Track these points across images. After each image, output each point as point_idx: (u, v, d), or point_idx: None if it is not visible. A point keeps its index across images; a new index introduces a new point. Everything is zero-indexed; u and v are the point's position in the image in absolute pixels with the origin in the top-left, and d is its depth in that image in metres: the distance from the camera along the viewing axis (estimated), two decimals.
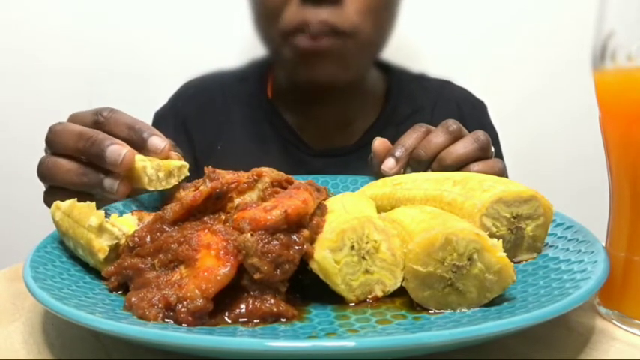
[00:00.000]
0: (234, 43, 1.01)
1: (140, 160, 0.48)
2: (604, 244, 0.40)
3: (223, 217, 0.41)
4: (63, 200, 0.43)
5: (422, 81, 0.91)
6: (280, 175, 0.46)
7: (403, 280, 0.36)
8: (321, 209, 0.42)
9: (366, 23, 0.71)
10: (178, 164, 0.50)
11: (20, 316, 0.40)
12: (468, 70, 1.01)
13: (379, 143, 0.59)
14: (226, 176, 0.44)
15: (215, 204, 0.42)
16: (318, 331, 0.33)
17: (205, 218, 0.41)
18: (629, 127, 0.35)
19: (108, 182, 0.48)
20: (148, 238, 0.39)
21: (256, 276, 0.35)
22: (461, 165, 0.56)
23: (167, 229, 0.40)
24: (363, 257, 0.37)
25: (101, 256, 0.39)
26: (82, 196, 0.44)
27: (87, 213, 0.41)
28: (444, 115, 0.62)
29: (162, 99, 0.91)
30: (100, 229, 0.40)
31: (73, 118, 0.52)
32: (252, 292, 0.35)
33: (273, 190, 0.43)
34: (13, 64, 1.10)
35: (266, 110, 0.86)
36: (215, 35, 1.06)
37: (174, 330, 0.31)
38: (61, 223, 0.43)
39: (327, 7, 0.68)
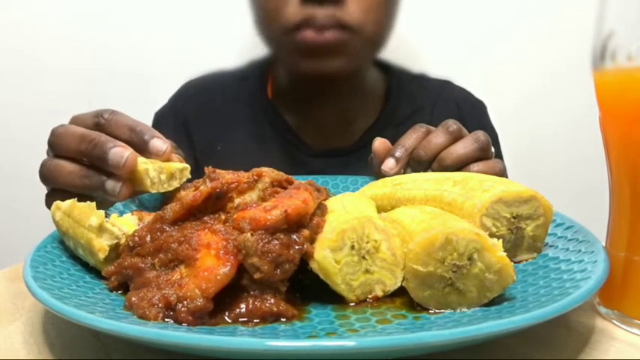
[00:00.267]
0: (234, 43, 1.01)
1: (142, 163, 0.47)
2: (604, 244, 0.40)
3: (223, 216, 0.41)
4: None
5: (422, 81, 0.91)
6: (280, 175, 0.46)
7: (403, 280, 0.36)
8: (321, 209, 0.42)
9: (368, 20, 0.71)
10: (180, 166, 0.50)
11: (20, 316, 0.40)
12: (468, 70, 1.02)
13: (379, 143, 0.59)
14: (226, 176, 0.44)
15: (215, 204, 0.42)
16: (318, 331, 0.33)
17: (205, 218, 0.41)
18: (629, 127, 0.35)
19: (110, 184, 0.47)
20: (148, 238, 0.39)
21: (256, 276, 0.35)
22: (461, 165, 0.56)
23: (167, 228, 0.40)
24: (363, 257, 0.37)
25: (101, 255, 0.39)
26: (84, 198, 0.44)
27: (87, 213, 0.41)
28: (444, 116, 0.62)
29: (162, 99, 0.91)
30: (100, 229, 0.40)
31: (75, 120, 0.52)
32: (252, 292, 0.35)
33: (273, 190, 0.43)
34: (13, 64, 1.10)
35: (266, 110, 0.86)
36: (215, 35, 1.06)
37: (175, 330, 0.31)
38: (61, 222, 0.43)
39: (329, 6, 0.68)
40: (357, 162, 0.74)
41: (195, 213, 0.41)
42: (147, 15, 1.08)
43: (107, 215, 0.41)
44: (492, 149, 0.60)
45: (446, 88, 0.92)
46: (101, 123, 0.50)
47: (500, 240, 0.35)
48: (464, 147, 0.56)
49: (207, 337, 0.28)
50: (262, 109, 0.86)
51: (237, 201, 0.43)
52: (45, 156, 0.52)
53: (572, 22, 0.93)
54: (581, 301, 0.31)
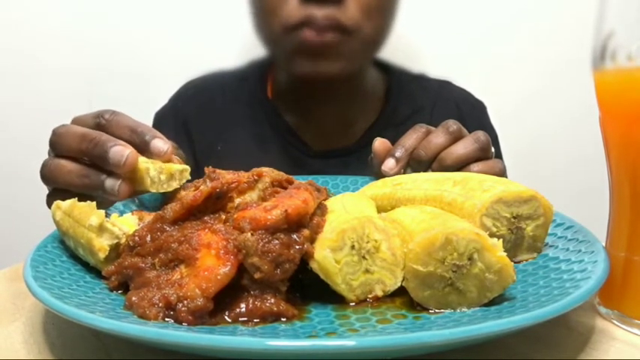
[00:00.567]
0: (234, 43, 1.01)
1: (143, 162, 0.48)
2: (604, 244, 0.40)
3: (224, 216, 0.41)
4: None
5: (421, 81, 0.91)
6: (280, 175, 0.46)
7: (403, 279, 0.37)
8: (321, 209, 0.42)
9: (367, 21, 0.71)
10: (180, 167, 0.50)
11: (20, 316, 0.40)
12: (468, 70, 1.01)
13: (379, 143, 0.60)
14: (226, 176, 0.44)
15: (215, 204, 0.42)
16: (318, 331, 0.33)
17: (206, 218, 0.41)
18: (629, 127, 0.35)
19: (109, 183, 0.47)
20: (149, 238, 0.39)
21: (256, 275, 0.35)
22: (461, 165, 0.56)
23: (167, 228, 0.40)
24: (364, 257, 0.37)
25: (101, 255, 0.39)
26: (84, 198, 0.44)
27: (87, 212, 0.41)
28: (444, 116, 0.62)
29: (162, 99, 0.91)
30: (101, 229, 0.40)
31: (75, 121, 0.52)
32: (252, 292, 0.35)
33: (273, 190, 0.43)
34: (13, 64, 1.10)
35: (266, 110, 0.86)
36: (215, 35, 1.06)
37: (175, 329, 0.31)
38: (61, 222, 0.43)
39: (329, 7, 0.68)
40: (357, 162, 0.74)
41: (196, 213, 0.41)
42: (147, 15, 1.08)
43: (107, 215, 0.41)
44: (492, 149, 0.60)
45: (446, 88, 0.92)
46: (102, 123, 0.50)
47: (501, 240, 0.35)
48: (464, 147, 0.56)
49: (207, 337, 0.28)
50: (262, 109, 0.86)
51: (237, 201, 0.43)
52: (46, 156, 0.53)
53: (572, 22, 0.93)
54: (581, 301, 0.31)
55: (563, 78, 1.08)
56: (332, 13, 0.68)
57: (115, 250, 0.40)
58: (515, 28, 1.11)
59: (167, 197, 0.51)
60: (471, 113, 0.88)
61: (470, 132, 0.59)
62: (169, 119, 0.88)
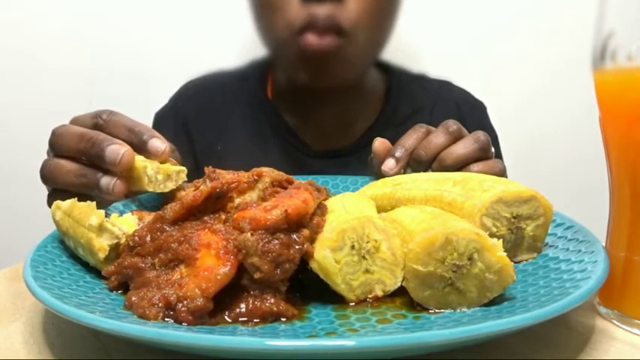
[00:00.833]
0: (234, 43, 1.01)
1: (141, 161, 0.48)
2: (604, 244, 0.40)
3: (223, 216, 0.41)
4: None
5: (421, 81, 0.91)
6: (280, 175, 0.46)
7: (403, 279, 0.36)
8: (321, 209, 0.42)
9: (366, 22, 0.71)
10: (177, 169, 0.50)
11: (20, 316, 0.40)
12: (468, 71, 1.01)
13: (379, 143, 0.60)
14: (226, 176, 0.44)
15: (215, 203, 0.42)
16: (318, 331, 0.33)
17: (205, 218, 0.41)
18: (629, 127, 0.35)
19: (104, 181, 0.48)
20: (148, 238, 0.39)
21: (256, 275, 0.35)
22: (461, 165, 0.56)
23: (167, 228, 0.40)
24: (364, 257, 0.37)
25: (101, 255, 0.39)
26: (84, 198, 0.44)
27: (87, 212, 0.41)
28: (444, 116, 0.62)
29: (162, 99, 0.91)
30: (101, 229, 0.40)
31: (74, 121, 0.53)
32: (252, 292, 0.35)
33: (273, 190, 0.43)
34: (13, 64, 1.10)
35: (266, 110, 0.86)
36: (215, 35, 1.06)
37: (175, 329, 0.31)
38: (61, 222, 0.43)
39: (330, 4, 0.68)
40: (357, 162, 0.74)
41: (196, 213, 0.41)
42: (147, 15, 1.08)
43: (107, 215, 0.41)
44: (492, 149, 0.60)
45: (446, 88, 0.92)
46: (99, 124, 0.50)
47: (501, 240, 0.35)
48: (464, 147, 0.56)
49: (207, 337, 0.28)
50: (262, 109, 0.86)
51: (237, 201, 0.43)
52: (46, 156, 0.53)
53: (572, 22, 0.93)
54: (581, 301, 0.31)
55: (563, 78, 1.08)
56: (332, 12, 0.68)
57: (115, 250, 0.40)
58: (515, 28, 1.11)
59: (166, 197, 0.51)
60: (470, 113, 0.88)
61: (470, 132, 0.59)
62: (169, 119, 0.88)
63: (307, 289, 0.38)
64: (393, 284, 0.37)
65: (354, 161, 0.80)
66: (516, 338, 0.34)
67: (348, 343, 0.27)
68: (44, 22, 1.08)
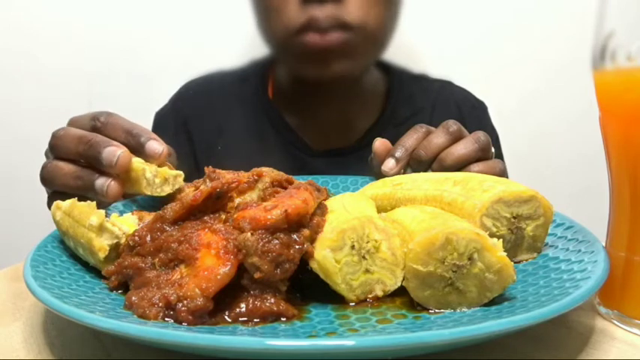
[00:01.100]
0: (234, 43, 1.01)
1: (139, 163, 0.48)
2: (604, 244, 0.40)
3: (223, 216, 0.41)
4: None
5: (422, 82, 0.91)
6: (280, 175, 0.46)
7: (403, 279, 0.36)
8: (321, 209, 0.42)
9: (369, 17, 0.71)
10: (174, 173, 0.50)
11: (20, 316, 0.40)
12: (469, 71, 1.02)
13: (379, 143, 0.60)
14: (226, 176, 0.44)
15: (215, 203, 0.42)
16: (318, 331, 0.33)
17: (205, 218, 0.41)
18: (629, 127, 0.35)
19: (99, 182, 0.48)
20: (149, 238, 0.39)
21: (256, 275, 0.35)
22: (461, 165, 0.56)
23: (167, 228, 0.40)
24: (364, 257, 0.37)
25: (101, 255, 0.39)
26: (84, 199, 0.44)
27: (87, 212, 0.41)
28: (444, 116, 0.62)
29: (162, 99, 0.91)
30: (101, 229, 0.40)
31: (72, 123, 0.53)
32: (252, 292, 0.35)
33: (273, 190, 0.43)
34: (13, 64, 1.10)
35: (267, 110, 0.86)
36: (215, 35, 1.06)
37: (175, 329, 0.31)
38: (61, 222, 0.43)
39: (330, 5, 0.68)
40: (358, 162, 0.74)
41: (196, 213, 0.41)
42: (147, 15, 1.08)
43: (107, 215, 0.41)
44: (492, 149, 0.60)
45: (446, 88, 0.92)
46: (97, 126, 0.50)
47: (501, 240, 0.35)
48: (464, 147, 0.56)
49: (207, 337, 0.28)
50: (263, 109, 0.86)
51: (237, 201, 0.43)
52: (45, 157, 0.53)
53: (572, 22, 0.93)
54: (581, 301, 0.31)
55: (564, 78, 1.08)
56: (333, 12, 0.68)
57: (115, 250, 0.40)
58: (515, 28, 1.11)
59: (166, 197, 0.51)
60: (471, 113, 0.88)
61: (471, 132, 0.59)
62: (169, 119, 0.88)
63: (307, 289, 0.38)
64: (393, 284, 0.37)
65: (355, 161, 0.80)
66: (516, 338, 0.34)
67: (348, 343, 0.27)
68: (44, 22, 1.08)
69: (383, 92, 0.88)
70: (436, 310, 0.35)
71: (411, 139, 0.58)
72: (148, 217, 0.43)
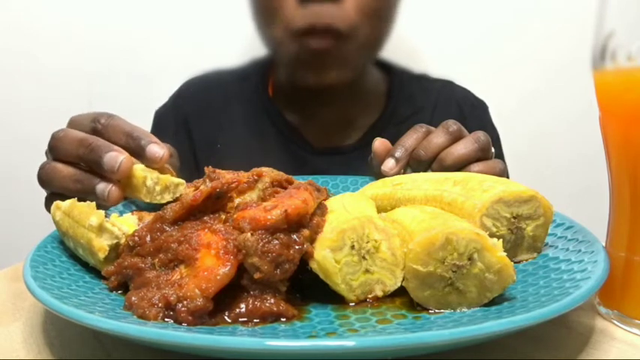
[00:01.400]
0: (234, 43, 1.01)
1: (141, 171, 0.47)
2: (604, 244, 0.40)
3: (223, 216, 0.41)
4: None
5: (423, 81, 0.91)
6: (280, 175, 0.46)
7: (403, 279, 0.36)
8: (321, 209, 0.42)
9: (364, 22, 0.71)
10: (176, 181, 0.49)
11: (20, 316, 0.40)
12: (469, 70, 1.01)
13: (379, 143, 0.59)
14: (226, 176, 0.44)
15: (215, 203, 0.42)
16: (318, 331, 0.33)
17: (205, 218, 0.41)
18: (629, 127, 0.35)
19: (100, 187, 0.47)
20: (148, 238, 0.39)
21: (256, 276, 0.35)
22: (461, 165, 0.56)
23: (167, 228, 0.40)
24: (363, 257, 0.37)
25: (101, 255, 0.39)
26: (83, 199, 0.44)
27: (87, 212, 0.41)
28: (445, 116, 0.62)
29: (162, 99, 0.91)
30: (100, 229, 0.40)
31: (72, 123, 0.52)
32: (252, 292, 0.35)
33: (273, 190, 0.43)
34: (13, 64, 1.10)
35: (267, 109, 0.86)
36: (215, 35, 1.06)
37: (174, 329, 0.31)
38: (61, 222, 0.43)
39: (327, 5, 0.68)
40: (359, 161, 0.74)
41: (195, 213, 0.41)
42: (147, 15, 1.08)
43: (107, 215, 0.41)
44: (493, 149, 0.60)
45: (447, 88, 0.92)
46: (98, 129, 0.50)
47: (501, 240, 0.35)
48: (464, 147, 0.56)
49: (206, 337, 0.28)
50: (263, 107, 0.86)
51: (237, 201, 0.43)
52: (44, 157, 0.53)
53: (572, 22, 0.93)
54: (581, 301, 0.31)
55: (563, 78, 1.08)
56: (330, 12, 0.68)
57: (115, 250, 0.40)
58: (515, 28, 1.11)
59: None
60: (472, 113, 0.88)
61: (471, 132, 0.59)
62: (169, 117, 0.88)
63: (307, 289, 0.38)
64: (393, 284, 0.37)
65: (356, 159, 0.80)
66: (516, 338, 0.34)
67: (348, 343, 0.27)
68: (44, 22, 1.08)
69: (384, 92, 0.88)
70: (436, 311, 0.35)
71: (410, 139, 0.58)
72: (148, 217, 0.43)
